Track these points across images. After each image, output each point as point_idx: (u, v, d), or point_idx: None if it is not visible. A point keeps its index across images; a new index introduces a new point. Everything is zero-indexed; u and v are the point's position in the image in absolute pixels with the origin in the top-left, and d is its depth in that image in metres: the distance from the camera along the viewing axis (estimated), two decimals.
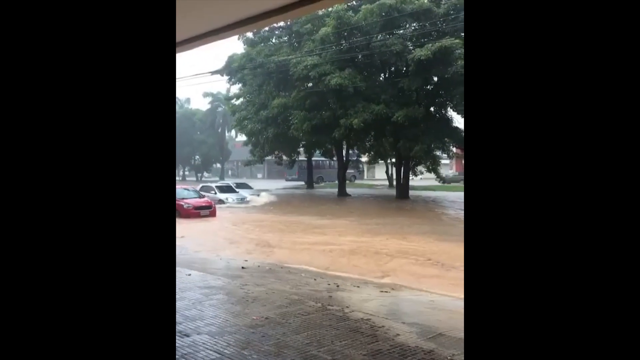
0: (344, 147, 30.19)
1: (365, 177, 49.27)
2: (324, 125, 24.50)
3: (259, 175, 54.02)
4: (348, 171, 42.13)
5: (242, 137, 37.04)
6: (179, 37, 3.49)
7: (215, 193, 24.81)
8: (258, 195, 27.52)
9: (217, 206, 22.60)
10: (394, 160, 29.76)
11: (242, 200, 24.83)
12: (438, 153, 26.77)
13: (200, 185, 27.68)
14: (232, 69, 29.46)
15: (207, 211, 18.81)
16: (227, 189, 26.13)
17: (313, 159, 38.24)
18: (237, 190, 26.39)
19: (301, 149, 32.39)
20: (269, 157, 33.89)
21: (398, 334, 4.37)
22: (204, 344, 4.00)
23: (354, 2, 24.90)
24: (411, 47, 23.08)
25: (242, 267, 8.27)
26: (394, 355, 3.86)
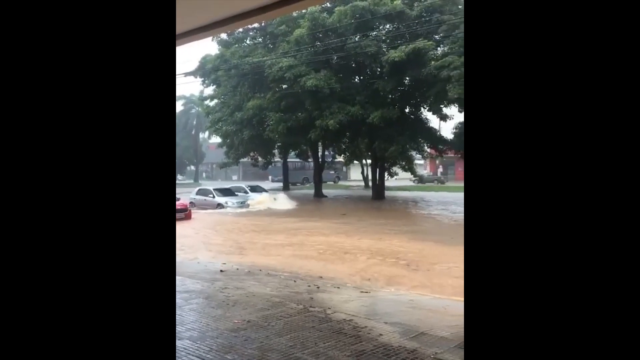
0: (320, 148, 30.23)
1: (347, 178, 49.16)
2: (300, 126, 24.51)
3: (234, 177, 53.53)
4: (331, 172, 42.15)
5: (217, 139, 36.64)
6: (179, 29, 3.41)
7: (214, 197, 23.54)
8: (274, 198, 25.39)
9: (216, 211, 21.61)
10: (369, 161, 29.95)
11: (242, 204, 23.36)
12: (413, 153, 27.08)
13: (197, 188, 26.03)
14: (206, 71, 29.15)
15: (182, 214, 18.54)
16: (226, 192, 24.67)
17: (295, 160, 38.10)
18: (237, 193, 25.09)
19: (276, 151, 32.32)
20: (245, 159, 33.66)
21: (381, 334, 4.38)
22: (185, 349, 3.93)
23: (327, 4, 24.99)
24: (385, 49, 23.29)
25: (221, 271, 8.18)
26: (378, 355, 3.87)
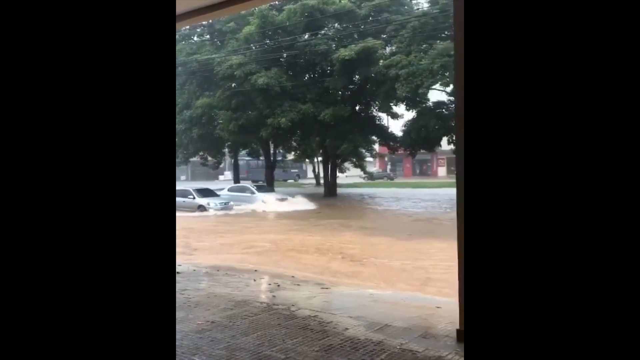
0: (272, 146, 30.08)
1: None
2: (251, 124, 24.30)
3: (183, 178, 52.25)
4: (292, 170, 41.82)
5: None
6: (179, 9, 3.25)
7: (194, 198, 21.80)
8: (285, 199, 22.85)
9: (196, 214, 19.95)
10: (320, 159, 30.13)
11: (226, 205, 21.71)
12: (363, 151, 27.55)
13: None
14: None
15: None
16: (207, 193, 22.84)
17: (247, 159, 37.52)
18: (218, 193, 23.29)
19: (227, 149, 31.89)
20: (194, 159, 32.97)
21: (347, 328, 4.45)
22: None
23: (276, 2, 24.90)
24: (335, 48, 23.51)
25: (177, 272, 8.00)
26: (345, 349, 3.92)
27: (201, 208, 21.34)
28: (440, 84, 21.83)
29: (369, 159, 35.46)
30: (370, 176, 31.55)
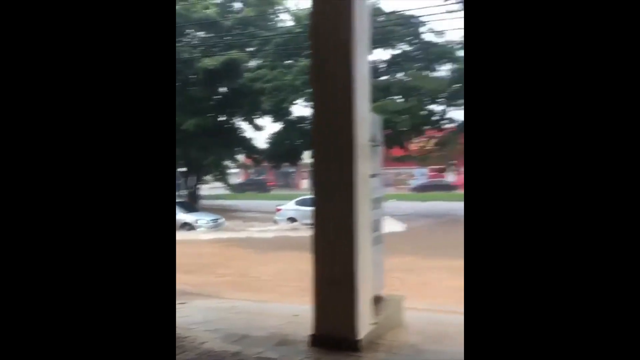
0: None
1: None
2: None
3: None
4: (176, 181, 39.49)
5: None
6: None
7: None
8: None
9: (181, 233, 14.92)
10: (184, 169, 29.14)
11: (216, 222, 17.98)
12: (227, 162, 27.28)
13: None
14: None
15: None
16: (189, 207, 19.06)
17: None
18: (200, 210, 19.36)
19: None
20: None
21: (204, 342, 4.43)
22: None
23: None
24: (199, 56, 23.07)
25: None
26: None
27: (187, 226, 16.95)
28: (304, 100, 22.69)
29: (234, 170, 35.14)
30: (233, 188, 30.53)
